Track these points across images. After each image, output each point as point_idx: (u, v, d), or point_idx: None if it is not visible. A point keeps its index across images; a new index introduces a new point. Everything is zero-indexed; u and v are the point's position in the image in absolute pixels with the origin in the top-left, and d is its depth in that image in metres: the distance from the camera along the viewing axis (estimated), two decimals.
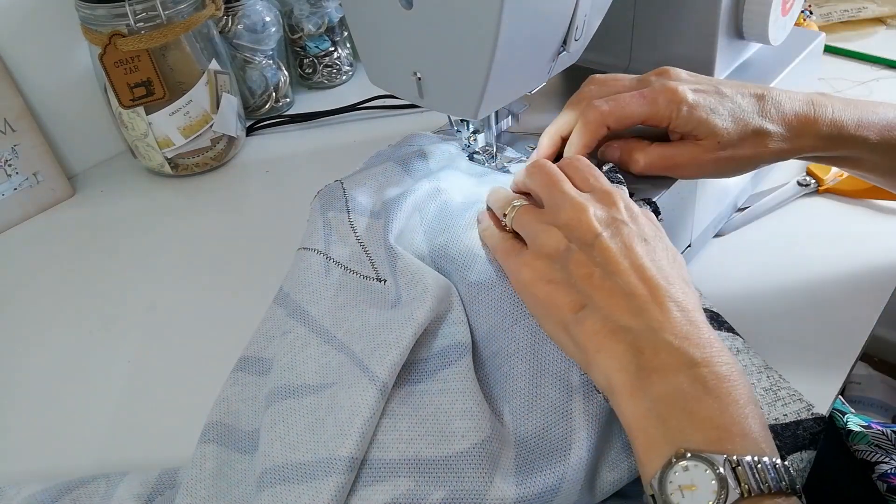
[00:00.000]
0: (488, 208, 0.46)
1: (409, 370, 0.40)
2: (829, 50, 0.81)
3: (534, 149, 0.50)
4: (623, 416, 0.33)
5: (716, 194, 0.55)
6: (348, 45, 0.89)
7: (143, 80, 0.67)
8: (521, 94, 0.49)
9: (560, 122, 0.48)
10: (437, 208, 0.47)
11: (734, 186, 0.58)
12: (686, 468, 0.30)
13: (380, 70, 0.48)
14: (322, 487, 0.35)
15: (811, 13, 0.87)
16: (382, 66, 0.48)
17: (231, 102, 0.74)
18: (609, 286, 0.36)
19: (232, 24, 0.77)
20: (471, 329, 0.42)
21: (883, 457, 0.62)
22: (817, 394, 0.44)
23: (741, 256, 0.57)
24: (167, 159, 0.73)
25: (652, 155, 0.46)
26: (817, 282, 0.54)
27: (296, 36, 0.85)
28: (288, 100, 0.85)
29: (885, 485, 0.61)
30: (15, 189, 0.71)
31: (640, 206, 0.44)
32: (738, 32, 0.56)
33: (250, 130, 0.81)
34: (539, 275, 0.38)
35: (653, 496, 0.31)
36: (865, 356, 1.18)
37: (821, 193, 0.63)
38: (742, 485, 0.29)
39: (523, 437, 0.38)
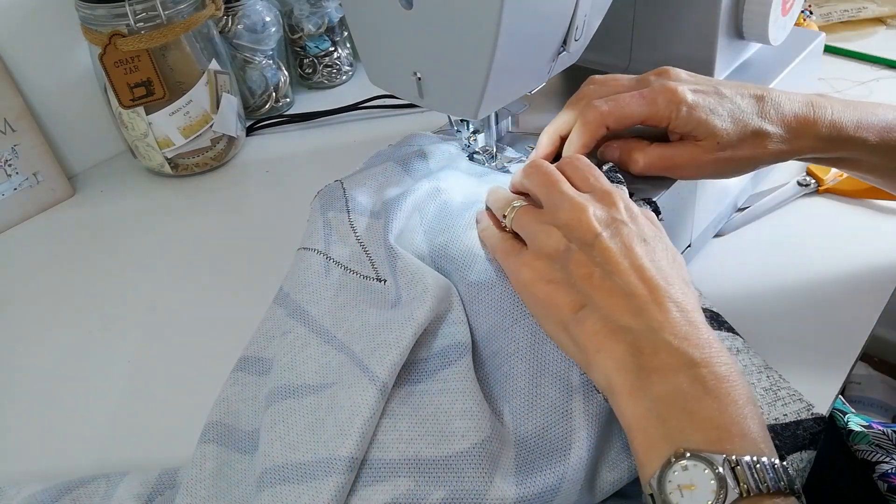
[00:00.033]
0: (487, 208, 0.46)
1: (409, 370, 0.40)
2: (829, 50, 0.81)
3: (533, 148, 0.50)
4: (622, 415, 0.33)
5: (716, 194, 0.55)
6: (348, 45, 0.89)
7: (143, 80, 0.67)
8: (521, 94, 0.49)
9: (559, 122, 0.48)
10: (437, 208, 0.47)
11: (734, 186, 0.58)
12: (685, 468, 0.30)
13: (380, 70, 0.48)
14: (322, 487, 0.35)
15: (811, 13, 0.87)
16: (382, 66, 0.48)
17: (231, 102, 0.74)
18: (609, 286, 0.36)
19: (232, 24, 0.77)
20: (471, 329, 0.42)
21: (884, 457, 0.62)
22: (817, 394, 0.44)
23: (741, 256, 0.57)
24: (167, 159, 0.73)
25: (651, 155, 0.46)
26: (817, 282, 0.54)
27: (296, 36, 0.85)
28: (288, 100, 0.85)
29: (886, 485, 0.61)
30: (15, 189, 0.71)
31: (641, 206, 0.44)
32: (738, 32, 0.56)
33: (250, 130, 0.81)
34: (539, 275, 0.38)
35: (652, 496, 0.31)
36: (865, 356, 1.18)
37: (821, 193, 0.63)
38: (741, 484, 0.29)
39: (523, 437, 0.38)
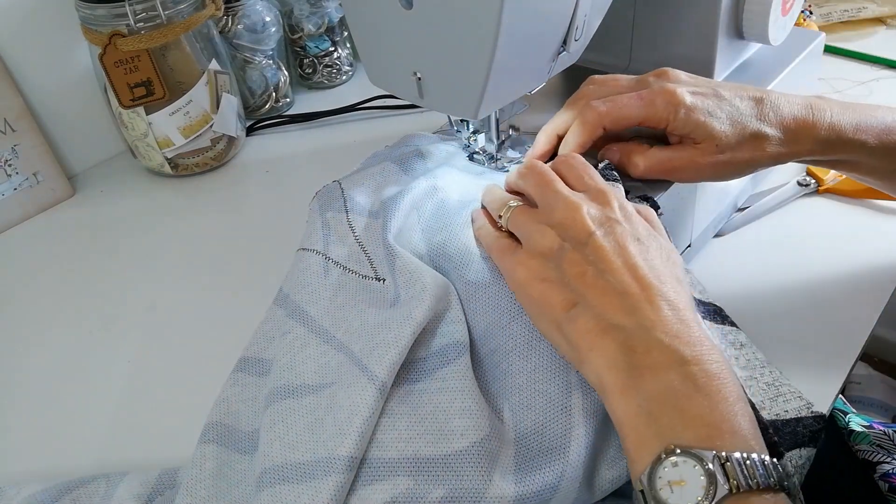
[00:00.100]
0: (483, 207, 0.46)
1: (408, 369, 0.40)
2: (829, 50, 0.81)
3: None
4: (614, 413, 0.34)
5: (715, 194, 0.55)
6: (348, 45, 0.89)
7: (143, 80, 0.67)
8: (521, 94, 0.49)
9: (558, 121, 0.48)
10: (435, 207, 0.47)
11: (734, 186, 0.58)
12: (675, 464, 0.30)
13: (380, 70, 0.48)
14: (321, 487, 0.35)
15: (811, 13, 0.87)
16: (382, 66, 0.48)
17: (231, 102, 0.74)
18: (602, 285, 0.36)
19: (232, 24, 0.77)
20: (469, 327, 0.42)
21: (885, 457, 0.62)
22: (817, 393, 0.44)
23: (741, 256, 0.57)
24: (167, 159, 0.73)
25: (651, 159, 0.46)
26: (817, 282, 0.54)
27: (296, 36, 0.85)
28: (288, 100, 0.85)
29: (887, 485, 0.61)
30: (15, 189, 0.71)
31: (639, 203, 0.44)
32: (738, 32, 0.56)
33: (250, 130, 0.81)
34: (533, 274, 0.38)
35: (642, 492, 0.31)
36: (865, 356, 1.18)
37: (821, 193, 0.63)
38: (731, 481, 0.29)
39: (523, 434, 0.38)
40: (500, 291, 0.41)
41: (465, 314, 0.43)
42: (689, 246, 0.55)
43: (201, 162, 0.74)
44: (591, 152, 0.48)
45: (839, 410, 0.69)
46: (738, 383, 0.33)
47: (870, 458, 0.63)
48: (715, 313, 0.43)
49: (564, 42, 0.46)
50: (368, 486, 0.36)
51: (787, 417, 0.39)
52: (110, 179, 0.77)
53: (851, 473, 0.64)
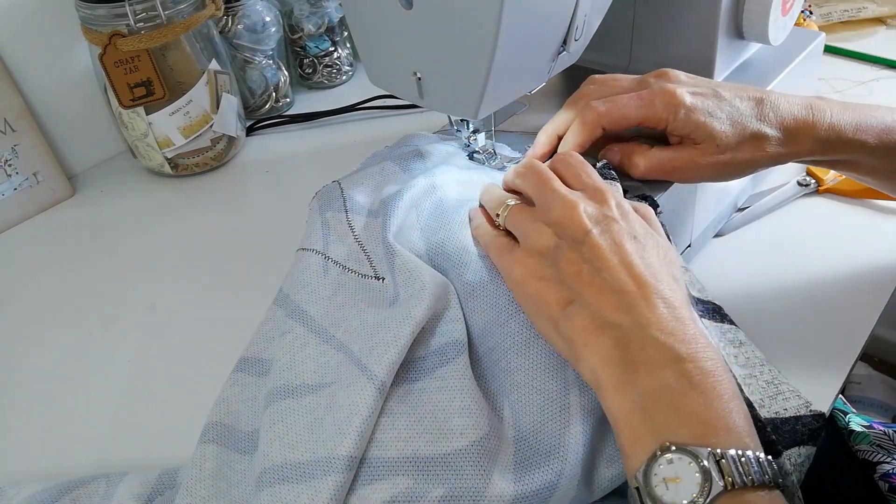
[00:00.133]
0: (481, 205, 0.46)
1: (408, 368, 0.40)
2: (829, 50, 0.81)
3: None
4: (609, 410, 0.34)
5: (715, 194, 0.55)
6: (348, 45, 0.89)
7: (143, 80, 0.67)
8: (521, 94, 0.49)
9: (557, 121, 0.48)
10: (433, 205, 0.47)
11: (734, 187, 0.58)
12: (670, 461, 0.30)
13: (380, 70, 0.48)
14: (321, 486, 0.35)
15: (811, 13, 0.87)
16: (382, 66, 0.48)
17: (231, 102, 0.74)
18: (598, 282, 0.36)
19: (232, 24, 0.77)
20: (467, 325, 0.42)
21: (885, 457, 0.62)
22: (817, 393, 0.44)
23: (741, 256, 0.57)
24: (167, 159, 0.73)
25: (652, 159, 0.46)
26: (817, 282, 0.54)
27: (296, 36, 0.85)
28: (288, 100, 0.85)
29: (887, 485, 0.61)
30: (15, 189, 0.71)
31: (638, 202, 0.44)
32: (738, 32, 0.56)
33: (250, 130, 0.81)
34: (530, 272, 0.39)
35: (637, 489, 0.31)
36: (865, 356, 1.18)
37: (821, 193, 0.63)
38: (726, 478, 0.29)
39: (523, 432, 0.38)
40: (499, 290, 0.41)
41: (463, 313, 0.43)
42: (689, 246, 0.55)
43: (201, 162, 0.74)
44: (591, 152, 0.48)
45: (839, 410, 0.69)
46: (732, 381, 0.33)
47: (870, 458, 0.63)
48: (714, 311, 0.43)
49: (564, 42, 0.46)
50: (368, 486, 0.36)
51: (787, 416, 0.39)
52: (110, 179, 0.77)
53: (851, 473, 0.64)
